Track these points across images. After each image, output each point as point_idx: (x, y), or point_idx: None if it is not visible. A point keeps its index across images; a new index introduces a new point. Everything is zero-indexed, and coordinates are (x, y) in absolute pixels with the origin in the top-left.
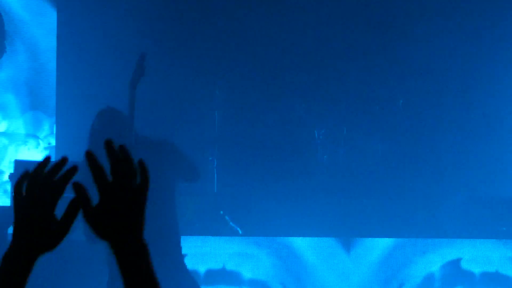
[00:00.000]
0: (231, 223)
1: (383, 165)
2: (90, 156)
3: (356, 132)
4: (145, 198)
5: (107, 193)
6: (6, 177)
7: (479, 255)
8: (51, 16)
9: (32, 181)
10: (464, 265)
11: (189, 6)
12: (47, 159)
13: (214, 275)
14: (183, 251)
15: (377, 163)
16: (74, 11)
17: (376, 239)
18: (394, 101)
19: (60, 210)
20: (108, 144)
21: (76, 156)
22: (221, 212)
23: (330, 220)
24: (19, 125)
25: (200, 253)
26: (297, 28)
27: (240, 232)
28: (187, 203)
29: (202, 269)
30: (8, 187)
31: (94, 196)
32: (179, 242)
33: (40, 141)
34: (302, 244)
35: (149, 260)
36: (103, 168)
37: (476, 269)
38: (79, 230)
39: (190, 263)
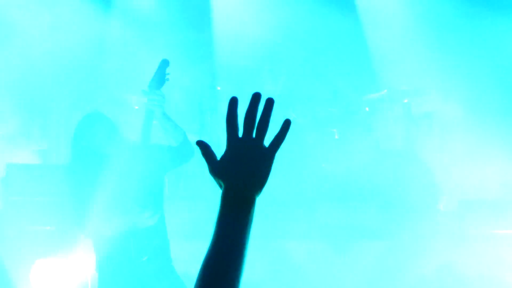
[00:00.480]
0: None
1: (375, 168)
2: (233, 102)
3: (346, 136)
4: (271, 158)
5: (234, 146)
6: None
7: (472, 257)
8: (45, 18)
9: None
10: (458, 267)
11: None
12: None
13: None
14: (175, 255)
15: (370, 165)
16: (69, 13)
17: (369, 242)
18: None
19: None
20: (256, 98)
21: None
22: (214, 216)
23: (323, 223)
24: (11, 128)
25: (192, 256)
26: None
27: None
28: (181, 207)
29: (194, 273)
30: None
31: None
32: (168, 243)
33: (32, 141)
34: (295, 247)
35: (251, 221)
36: (237, 122)
37: (470, 271)
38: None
39: (182, 266)
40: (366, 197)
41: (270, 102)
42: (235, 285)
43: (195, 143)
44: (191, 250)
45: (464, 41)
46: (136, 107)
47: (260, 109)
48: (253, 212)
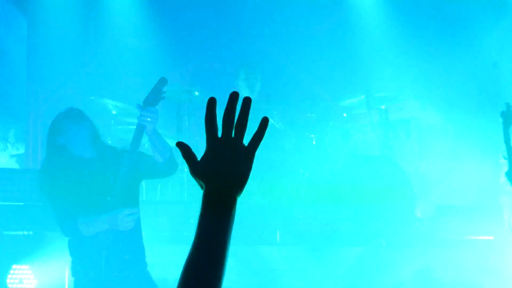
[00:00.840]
0: None
1: (352, 174)
2: (211, 103)
3: (324, 142)
4: (251, 156)
5: (214, 146)
6: None
7: (449, 263)
8: (21, 23)
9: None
10: (434, 272)
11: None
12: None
13: None
14: (152, 260)
15: (347, 171)
16: (44, 19)
17: (346, 247)
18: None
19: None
20: (234, 98)
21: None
22: (191, 221)
23: (300, 229)
24: None
25: (169, 261)
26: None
27: None
28: (158, 212)
29: (170, 277)
30: None
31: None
32: (143, 248)
33: (9, 145)
34: (272, 252)
35: (231, 222)
36: (216, 123)
37: (446, 277)
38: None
39: (158, 271)
40: (344, 203)
41: (247, 102)
42: (218, 285)
43: (174, 145)
44: (167, 255)
45: (441, 48)
46: (114, 112)
47: (238, 109)
48: (234, 212)
